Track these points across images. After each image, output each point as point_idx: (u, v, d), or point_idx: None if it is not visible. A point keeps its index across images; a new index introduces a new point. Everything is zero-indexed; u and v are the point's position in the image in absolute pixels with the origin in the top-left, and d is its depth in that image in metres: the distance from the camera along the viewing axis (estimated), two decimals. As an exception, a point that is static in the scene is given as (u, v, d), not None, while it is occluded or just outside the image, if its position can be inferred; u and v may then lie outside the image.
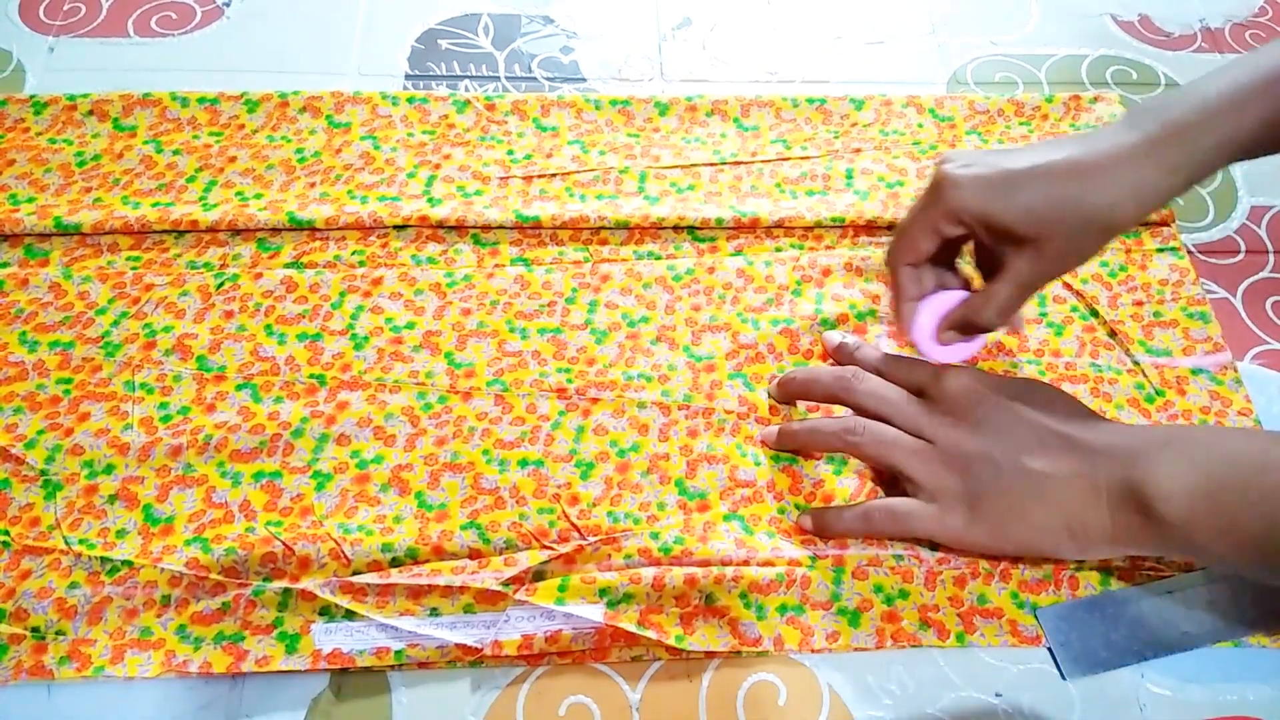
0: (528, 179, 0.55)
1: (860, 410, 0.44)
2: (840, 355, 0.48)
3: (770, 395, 0.47)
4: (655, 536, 0.42)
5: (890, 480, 0.44)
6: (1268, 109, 0.40)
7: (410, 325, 0.49)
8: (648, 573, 0.40)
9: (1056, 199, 0.40)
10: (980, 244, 0.43)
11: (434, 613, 0.40)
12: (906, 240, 0.44)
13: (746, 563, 0.41)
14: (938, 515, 0.41)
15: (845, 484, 0.45)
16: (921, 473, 0.41)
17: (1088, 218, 0.40)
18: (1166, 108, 0.41)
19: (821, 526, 0.43)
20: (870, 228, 0.54)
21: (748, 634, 0.40)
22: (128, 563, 0.41)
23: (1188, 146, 0.40)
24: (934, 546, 0.43)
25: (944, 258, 0.45)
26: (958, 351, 0.45)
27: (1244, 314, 0.52)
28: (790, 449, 0.45)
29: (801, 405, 0.47)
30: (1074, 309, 0.51)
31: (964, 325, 0.44)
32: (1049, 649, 0.41)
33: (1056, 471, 0.40)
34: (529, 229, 0.53)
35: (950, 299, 0.44)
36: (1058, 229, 0.40)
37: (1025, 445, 0.41)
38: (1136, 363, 0.49)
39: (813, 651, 0.41)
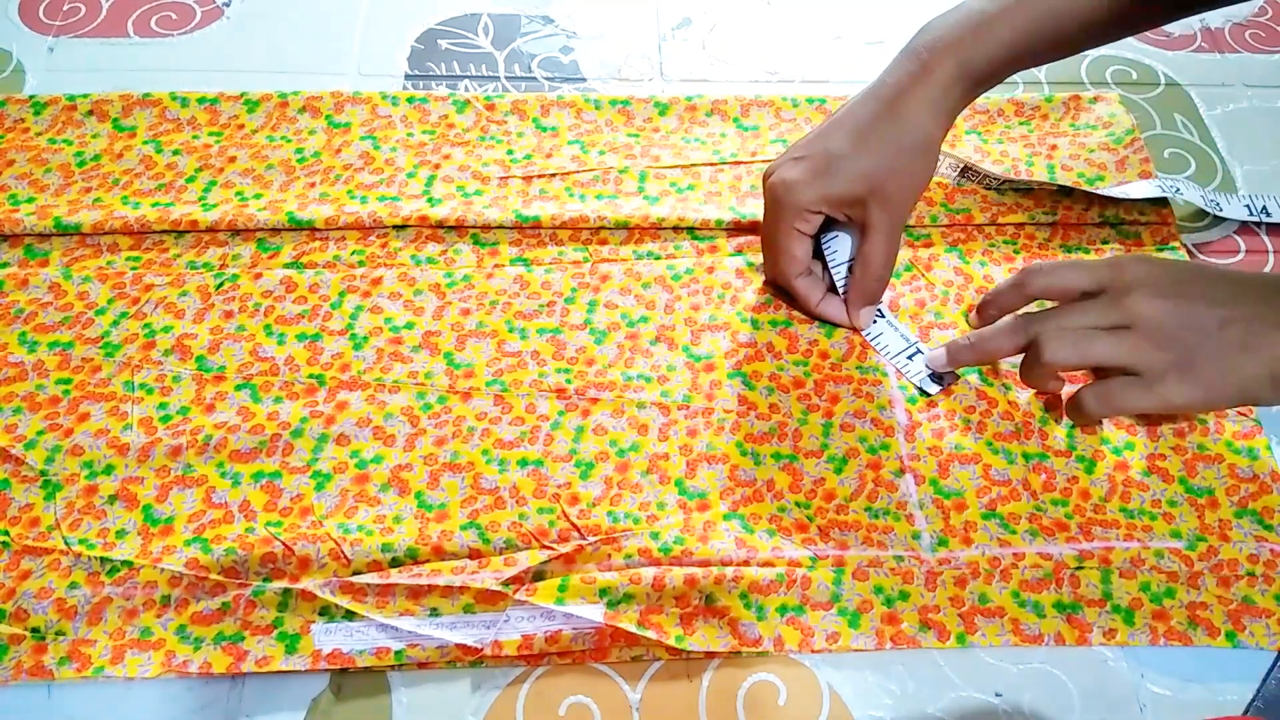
0: (527, 179, 0.55)
1: (1039, 358, 0.44)
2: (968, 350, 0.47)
3: (934, 367, 0.48)
4: (655, 536, 0.42)
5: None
6: (1037, 11, 0.46)
7: (410, 325, 0.49)
8: (648, 573, 0.40)
9: (875, 151, 0.45)
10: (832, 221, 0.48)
11: (434, 613, 0.40)
12: (783, 257, 0.48)
13: (746, 563, 0.41)
14: (1146, 386, 0.43)
15: (845, 484, 0.45)
16: (1132, 358, 0.43)
17: (903, 150, 0.45)
18: (938, 28, 0.46)
19: (1079, 420, 0.46)
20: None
21: (748, 634, 0.40)
22: (127, 563, 0.41)
23: (964, 58, 0.46)
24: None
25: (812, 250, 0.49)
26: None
27: (1244, 314, 0.52)
28: (966, 361, 0.47)
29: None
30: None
31: (866, 293, 0.48)
32: None
33: (1258, 323, 0.42)
34: (528, 229, 0.53)
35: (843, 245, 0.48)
36: (886, 174, 0.45)
37: (1223, 308, 0.42)
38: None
39: (813, 652, 0.41)
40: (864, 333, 0.49)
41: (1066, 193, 0.55)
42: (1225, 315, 0.42)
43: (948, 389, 0.48)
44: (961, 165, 0.55)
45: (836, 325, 0.50)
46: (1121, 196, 0.54)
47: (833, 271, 0.49)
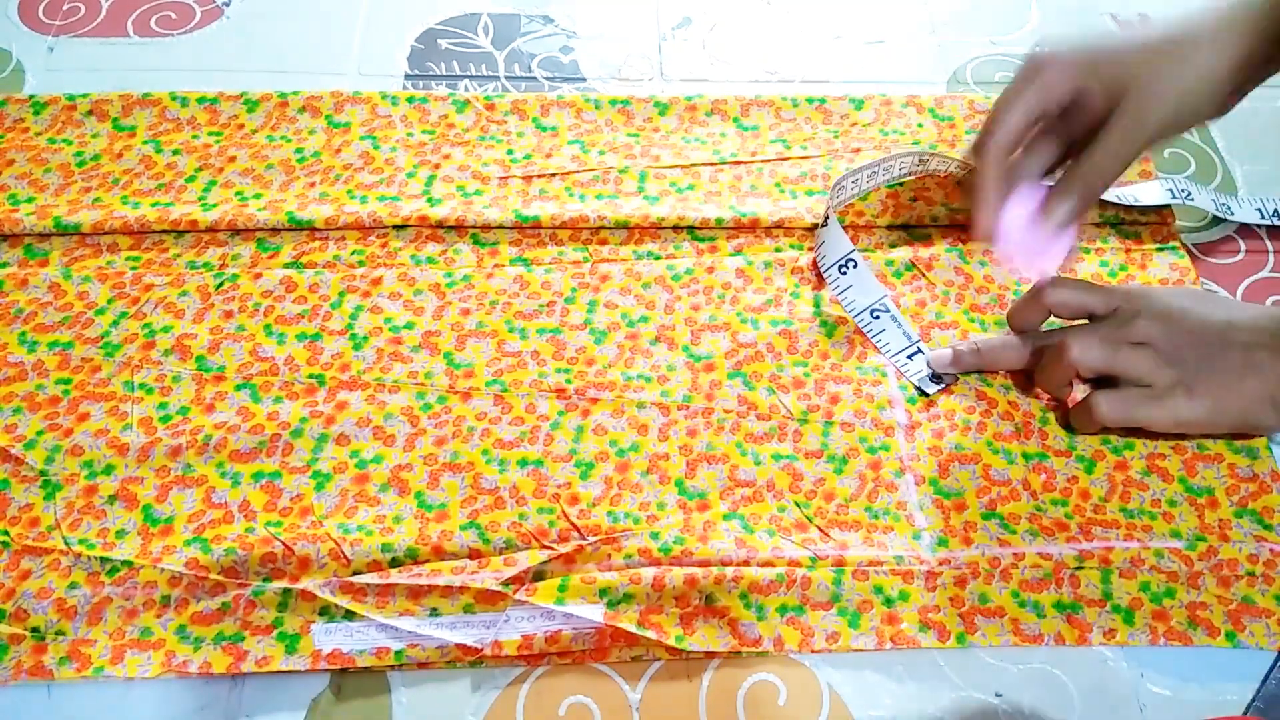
0: (527, 179, 0.55)
1: (1065, 356, 0.45)
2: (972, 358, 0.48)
3: (936, 368, 0.48)
4: (655, 536, 0.42)
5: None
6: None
7: (409, 325, 0.49)
8: (648, 573, 0.40)
9: (1151, 55, 0.42)
10: (1073, 128, 0.45)
11: (434, 613, 0.40)
12: (1010, 114, 0.44)
13: (746, 563, 0.41)
14: (1157, 399, 0.44)
15: (845, 484, 0.45)
16: (1146, 371, 0.44)
17: (1188, 62, 0.43)
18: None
19: (1084, 423, 0.46)
20: (869, 227, 0.54)
21: (748, 634, 0.40)
22: (127, 563, 0.41)
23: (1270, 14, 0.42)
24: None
25: (1029, 159, 0.46)
26: (1044, 256, 0.45)
27: (1244, 313, 0.52)
28: (968, 367, 0.48)
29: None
30: (1074, 309, 0.51)
31: (1077, 190, 0.44)
32: None
33: (1260, 348, 0.44)
34: (528, 229, 0.53)
35: (1035, 193, 0.44)
36: (1161, 71, 0.42)
37: (1228, 332, 0.44)
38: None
39: (813, 652, 0.41)
40: (865, 328, 0.49)
41: None
42: (1228, 339, 0.44)
43: (947, 389, 0.48)
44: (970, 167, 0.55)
45: (983, 239, 0.46)
46: (1132, 203, 0.54)
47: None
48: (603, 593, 0.40)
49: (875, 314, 0.49)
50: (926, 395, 0.48)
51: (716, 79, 0.62)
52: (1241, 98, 0.45)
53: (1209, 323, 0.45)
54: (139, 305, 0.49)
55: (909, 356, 0.48)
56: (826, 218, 0.51)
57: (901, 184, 0.55)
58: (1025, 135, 0.45)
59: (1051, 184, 0.45)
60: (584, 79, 0.62)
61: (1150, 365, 0.44)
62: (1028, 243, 0.45)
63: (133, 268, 0.51)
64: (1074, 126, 0.45)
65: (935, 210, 0.54)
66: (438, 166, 0.55)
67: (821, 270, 0.51)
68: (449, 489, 0.44)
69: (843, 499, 0.44)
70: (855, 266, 0.50)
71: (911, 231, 0.54)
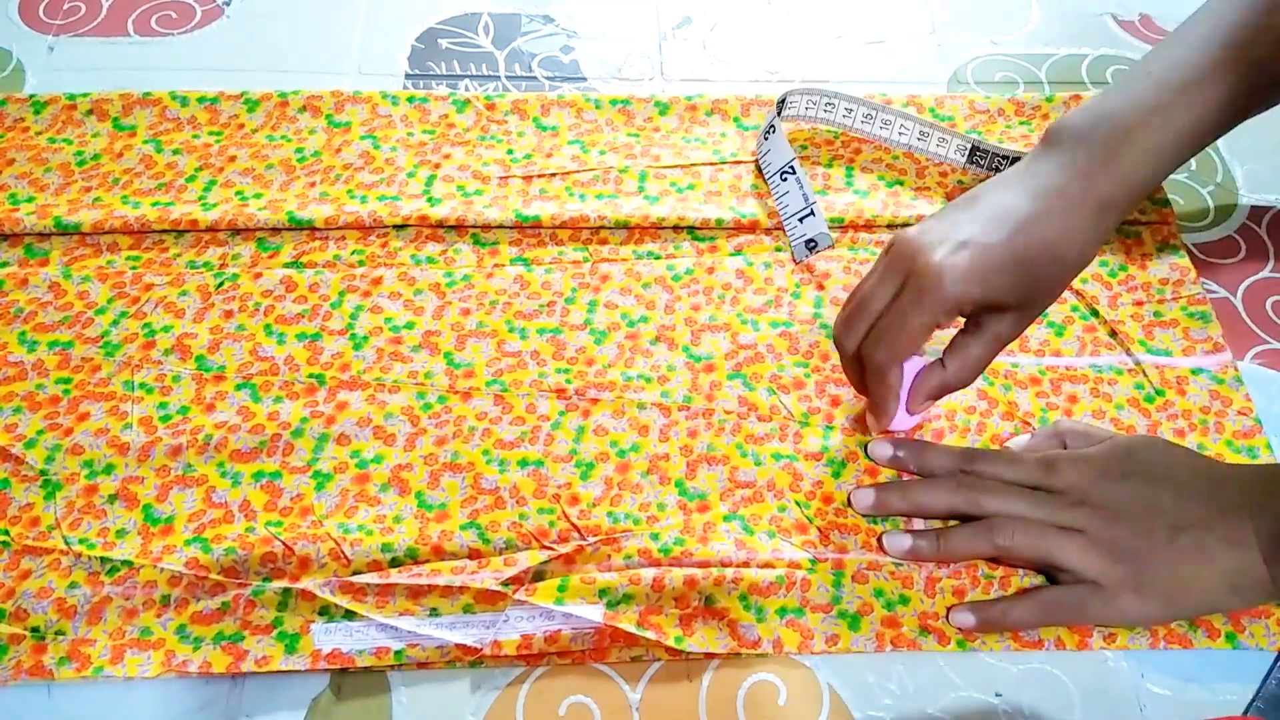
0: (527, 179, 0.55)
1: (984, 516, 0.42)
2: (903, 464, 0.45)
3: (857, 509, 0.44)
4: (655, 537, 0.42)
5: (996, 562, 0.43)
6: (1220, 93, 0.42)
7: (409, 325, 0.49)
8: (647, 573, 0.40)
9: (1038, 267, 0.40)
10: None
11: (434, 613, 0.40)
12: (904, 339, 0.40)
13: (746, 564, 0.41)
14: (1108, 600, 0.40)
15: (843, 487, 0.45)
16: (1083, 564, 0.40)
17: (1064, 274, 0.41)
18: (1085, 125, 0.42)
19: (988, 624, 0.41)
20: (870, 226, 0.54)
21: (747, 636, 0.40)
22: (127, 563, 0.41)
23: (1122, 174, 0.41)
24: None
25: None
26: (919, 415, 0.44)
27: (1244, 314, 0.52)
28: (926, 559, 0.42)
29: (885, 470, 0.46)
30: (1074, 309, 0.51)
31: (939, 391, 0.43)
32: None
33: (1208, 533, 0.40)
34: (529, 229, 0.53)
35: (912, 367, 0.43)
36: (1040, 294, 0.41)
37: (1169, 517, 0.40)
38: (1138, 362, 0.49)
39: (812, 654, 0.41)
40: (772, 187, 0.52)
41: None
42: (1175, 524, 0.40)
43: (816, 253, 0.51)
44: (970, 147, 0.55)
45: (871, 416, 0.45)
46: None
47: (785, 223, 0.52)
48: (602, 593, 0.40)
49: (783, 175, 0.52)
50: (797, 261, 0.51)
51: (716, 79, 0.62)
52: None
53: (1154, 506, 0.41)
54: (139, 305, 0.49)
55: (800, 219, 0.51)
56: (772, 127, 0.54)
57: (901, 183, 0.55)
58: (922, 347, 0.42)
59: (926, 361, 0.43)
60: (584, 79, 0.62)
61: (1088, 561, 0.40)
62: (906, 413, 0.44)
63: (133, 267, 0.51)
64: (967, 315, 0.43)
65: (935, 210, 0.54)
66: (438, 166, 0.55)
67: (766, 180, 0.54)
68: (449, 489, 0.44)
69: (841, 502, 0.44)
70: (794, 173, 0.53)
71: (912, 232, 0.54)
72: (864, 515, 0.44)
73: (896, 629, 0.41)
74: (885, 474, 0.45)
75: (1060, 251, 0.41)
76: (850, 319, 0.42)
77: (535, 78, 0.61)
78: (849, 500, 0.44)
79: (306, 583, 0.40)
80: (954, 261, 0.40)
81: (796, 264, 0.51)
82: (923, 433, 0.47)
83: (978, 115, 0.59)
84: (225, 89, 0.59)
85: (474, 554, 0.42)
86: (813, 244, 0.51)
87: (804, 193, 0.51)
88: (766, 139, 0.55)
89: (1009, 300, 0.41)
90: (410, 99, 0.59)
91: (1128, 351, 0.50)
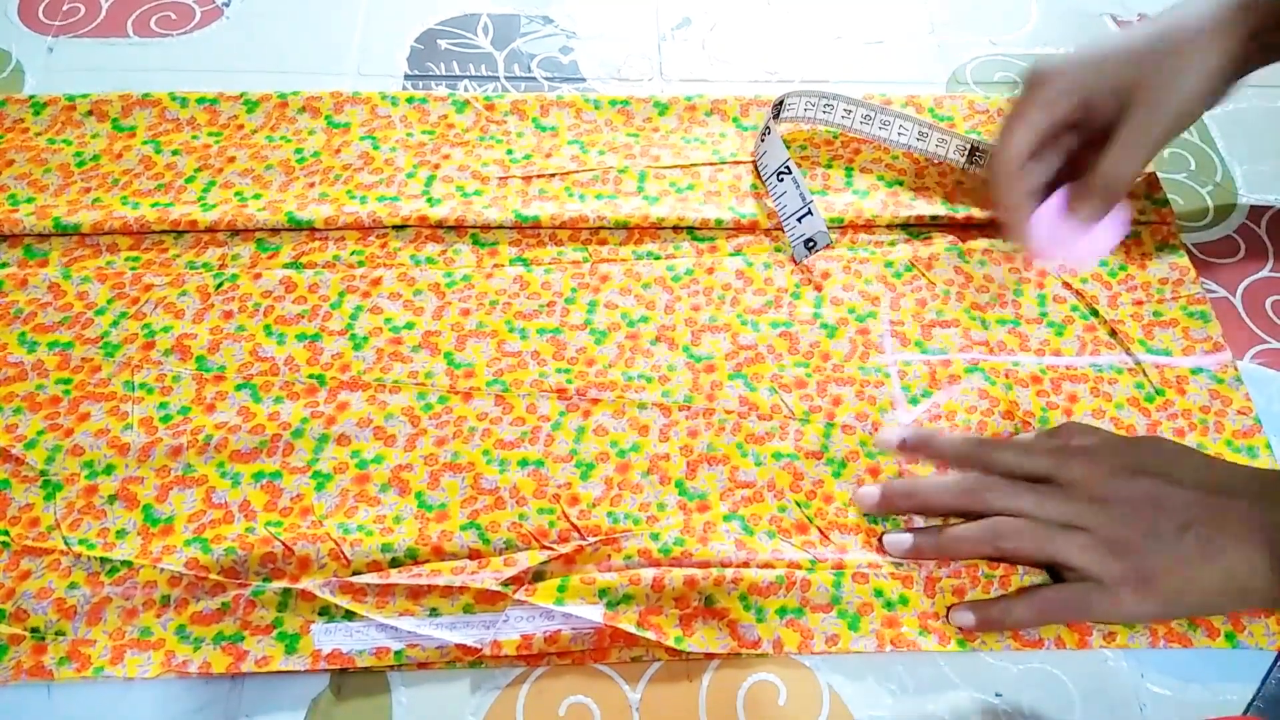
0: (527, 179, 0.55)
1: (991, 514, 0.42)
2: (911, 450, 0.45)
3: (861, 508, 0.44)
4: (655, 537, 0.42)
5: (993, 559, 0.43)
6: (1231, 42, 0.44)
7: (409, 325, 0.49)
8: (647, 574, 0.40)
9: (1152, 57, 0.43)
10: (1081, 132, 0.46)
11: (434, 613, 0.40)
12: (1018, 132, 0.44)
13: (746, 564, 0.41)
14: (1110, 597, 0.40)
15: (844, 487, 0.45)
16: (1088, 562, 0.40)
17: (1182, 68, 0.43)
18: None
19: (989, 623, 0.41)
20: (869, 226, 0.54)
21: (747, 636, 0.40)
22: (127, 563, 0.41)
23: (1262, 12, 0.43)
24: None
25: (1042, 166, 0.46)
26: (1088, 246, 0.45)
27: (1244, 314, 0.52)
28: (928, 557, 0.42)
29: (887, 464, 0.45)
30: (1074, 309, 0.51)
31: (1096, 195, 0.45)
32: None
33: (1216, 532, 0.40)
34: (528, 229, 0.53)
35: (1061, 195, 0.45)
36: (1158, 79, 0.43)
37: (1177, 515, 0.40)
38: (1138, 362, 0.49)
39: (812, 654, 0.41)
40: (769, 188, 0.52)
41: None
42: (1183, 522, 0.40)
43: (815, 253, 0.51)
44: (970, 146, 0.55)
45: (1013, 244, 0.49)
46: None
47: (783, 223, 0.52)
48: (602, 593, 0.40)
49: (780, 176, 0.52)
50: (796, 261, 0.51)
51: (716, 79, 0.62)
52: (1227, 96, 0.46)
53: (1162, 502, 0.40)
54: (139, 305, 0.49)
55: (799, 219, 0.51)
56: (768, 129, 0.54)
57: (901, 183, 0.55)
58: (1035, 148, 0.46)
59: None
60: (584, 79, 0.62)
61: (1091, 558, 0.40)
62: (1061, 239, 0.45)
63: (132, 268, 0.51)
64: (1082, 131, 0.46)
65: (935, 210, 0.54)
66: (437, 167, 0.55)
67: (764, 182, 0.54)
68: (449, 489, 0.44)
69: (841, 503, 0.44)
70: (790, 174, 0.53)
71: (911, 231, 0.54)
72: (867, 514, 0.44)
73: (896, 629, 0.41)
74: (886, 473, 0.45)
75: (1178, 53, 0.43)
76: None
77: (534, 78, 0.61)
78: (851, 498, 0.44)
79: (306, 583, 0.40)
80: (1061, 59, 0.44)
81: (796, 264, 0.52)
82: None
83: (977, 115, 0.59)
84: (225, 90, 0.59)
85: (474, 554, 0.42)
86: (811, 243, 0.51)
87: (800, 192, 0.51)
88: (763, 140, 0.55)
89: (1125, 87, 0.43)
90: (410, 100, 0.59)
91: (1128, 351, 0.50)
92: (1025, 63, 0.63)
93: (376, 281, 0.51)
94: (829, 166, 0.56)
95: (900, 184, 0.56)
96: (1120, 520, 0.40)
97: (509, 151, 0.56)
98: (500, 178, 0.55)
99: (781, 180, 0.53)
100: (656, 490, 0.44)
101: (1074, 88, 0.44)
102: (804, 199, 0.51)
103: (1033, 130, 0.45)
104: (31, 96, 0.58)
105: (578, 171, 0.55)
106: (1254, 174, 0.58)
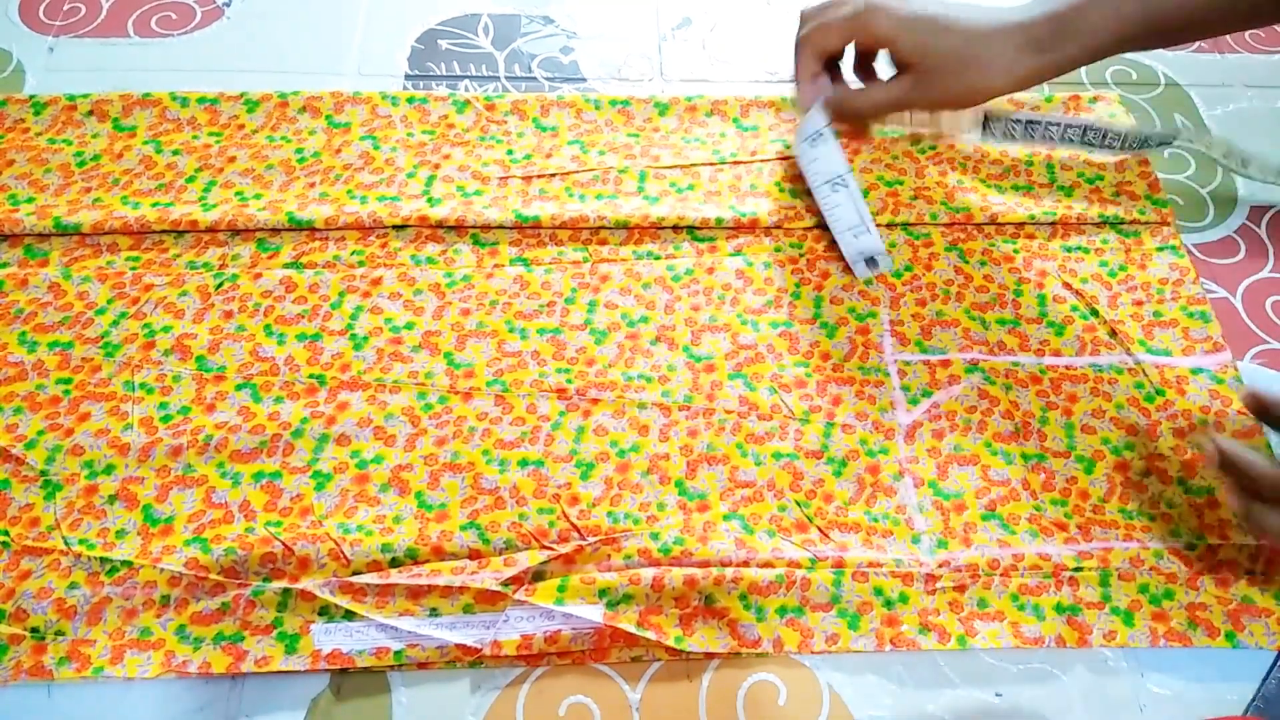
0: (527, 179, 0.55)
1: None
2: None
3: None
4: (655, 537, 0.42)
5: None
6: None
7: (410, 325, 0.49)
8: (647, 573, 0.40)
9: (946, 44, 0.48)
10: (865, 60, 0.53)
11: (433, 613, 0.40)
12: (822, 32, 0.50)
13: (746, 564, 0.41)
14: None
15: (844, 486, 0.45)
16: None
17: (965, 66, 0.48)
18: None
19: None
20: (870, 228, 0.54)
21: (747, 635, 0.40)
22: (127, 563, 0.41)
23: (1068, 31, 0.48)
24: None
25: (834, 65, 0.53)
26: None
27: (1244, 314, 0.52)
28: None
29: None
30: (1074, 309, 0.51)
31: (839, 107, 0.52)
32: None
33: None
34: (528, 229, 0.53)
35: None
36: (938, 66, 0.49)
37: None
38: (1138, 362, 0.49)
39: (812, 653, 0.41)
40: (819, 196, 0.52)
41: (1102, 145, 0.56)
42: None
43: (878, 276, 0.52)
44: (982, 117, 0.55)
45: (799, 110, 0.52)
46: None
47: (832, 228, 0.52)
48: (602, 593, 0.40)
49: (835, 186, 0.52)
50: (858, 277, 0.51)
51: (716, 79, 0.62)
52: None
53: None
54: (139, 305, 0.49)
55: (855, 235, 0.51)
56: (820, 134, 0.53)
57: (901, 183, 0.56)
58: (835, 50, 0.52)
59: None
60: (584, 79, 0.62)
61: None
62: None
63: (133, 268, 0.51)
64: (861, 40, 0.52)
65: (935, 210, 0.54)
66: (438, 166, 0.55)
67: (811, 186, 0.53)
68: (449, 489, 0.44)
69: (841, 502, 0.44)
70: (845, 185, 0.52)
71: (911, 231, 0.54)
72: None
73: (896, 628, 0.41)
74: (886, 471, 0.45)
75: (975, 52, 0.48)
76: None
77: (535, 78, 0.61)
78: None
79: (306, 583, 0.40)
80: (891, 5, 0.49)
81: (859, 279, 0.51)
82: (922, 431, 0.47)
83: (977, 115, 0.59)
84: (225, 90, 0.59)
85: (474, 554, 0.42)
86: (873, 263, 0.51)
87: (857, 207, 0.51)
88: (813, 145, 0.53)
89: (913, 58, 0.49)
90: (410, 100, 0.59)
91: (1128, 351, 0.50)
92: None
93: (377, 281, 0.51)
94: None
95: (900, 183, 0.56)
96: None
97: (509, 151, 0.56)
98: (501, 178, 0.55)
99: (836, 191, 0.52)
100: (656, 490, 0.44)
101: (888, 30, 0.49)
102: (861, 216, 0.51)
103: (839, 41, 0.51)
104: (32, 96, 0.58)
105: (578, 171, 0.55)
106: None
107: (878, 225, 0.54)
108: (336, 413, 0.46)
